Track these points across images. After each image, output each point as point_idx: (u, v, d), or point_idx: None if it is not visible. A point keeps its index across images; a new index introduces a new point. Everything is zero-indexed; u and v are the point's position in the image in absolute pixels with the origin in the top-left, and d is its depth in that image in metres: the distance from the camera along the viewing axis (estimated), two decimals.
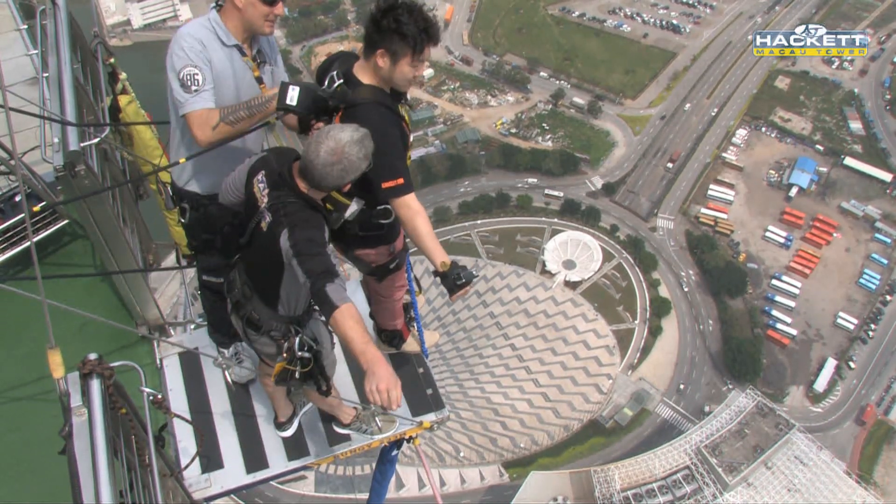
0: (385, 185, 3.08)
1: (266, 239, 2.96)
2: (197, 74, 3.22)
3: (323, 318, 3.41)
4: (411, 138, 3.57)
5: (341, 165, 2.77)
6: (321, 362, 3.43)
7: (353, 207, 3.50)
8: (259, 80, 3.44)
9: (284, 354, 3.27)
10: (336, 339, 3.69)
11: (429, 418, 4.41)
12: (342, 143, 2.77)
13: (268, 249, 2.94)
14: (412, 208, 3.12)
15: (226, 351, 4.40)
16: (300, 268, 2.75)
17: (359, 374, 4.61)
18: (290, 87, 3.04)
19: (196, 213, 3.71)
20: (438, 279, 3.06)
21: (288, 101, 3.02)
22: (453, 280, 2.98)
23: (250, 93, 3.39)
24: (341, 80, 3.26)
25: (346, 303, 2.65)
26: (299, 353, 3.28)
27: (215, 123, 3.22)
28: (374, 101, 3.17)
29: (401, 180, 3.10)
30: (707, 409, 57.45)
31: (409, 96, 3.46)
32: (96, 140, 4.08)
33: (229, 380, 4.42)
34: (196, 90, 3.22)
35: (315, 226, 2.88)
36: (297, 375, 3.33)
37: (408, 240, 3.83)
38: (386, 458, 4.80)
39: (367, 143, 2.81)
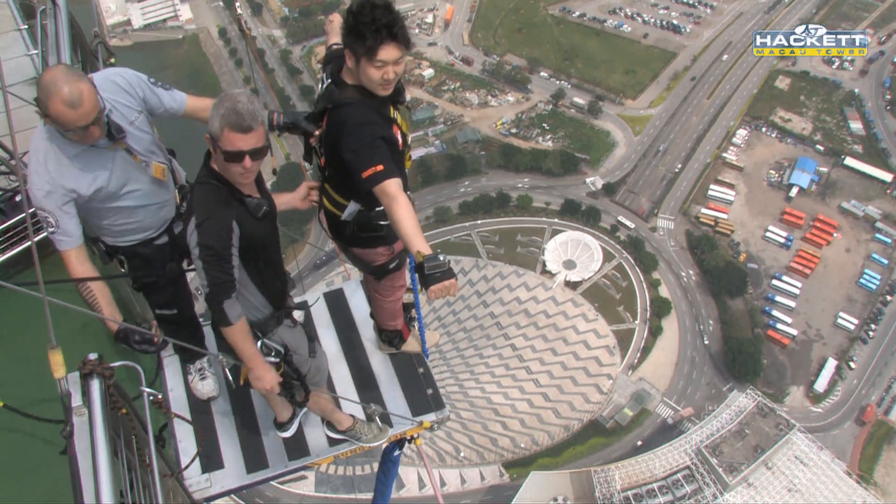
0: (365, 174, 2.98)
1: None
2: (49, 217, 3.09)
3: (289, 323, 3.41)
4: (410, 139, 3.57)
5: (219, 98, 2.79)
6: (296, 369, 3.42)
7: (351, 208, 3.52)
8: (129, 152, 3.25)
9: None
10: (320, 349, 3.69)
11: (429, 418, 4.41)
12: (236, 90, 2.83)
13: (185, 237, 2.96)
14: (389, 194, 2.94)
15: (191, 366, 4.40)
16: (204, 273, 2.85)
17: (359, 378, 4.61)
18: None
19: (133, 261, 3.67)
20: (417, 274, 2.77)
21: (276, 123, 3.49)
22: (427, 273, 2.67)
23: (126, 168, 3.27)
24: (329, 81, 3.29)
25: (240, 319, 3.00)
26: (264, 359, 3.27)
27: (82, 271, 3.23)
28: (356, 101, 3.15)
29: (379, 167, 2.97)
30: (671, 421, 57.16)
31: (407, 97, 3.43)
32: None
33: (198, 392, 4.40)
34: (52, 231, 3.13)
35: (219, 225, 2.84)
36: None
37: None
38: (388, 459, 4.82)
39: (237, 116, 2.72)
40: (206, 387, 4.35)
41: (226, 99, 2.75)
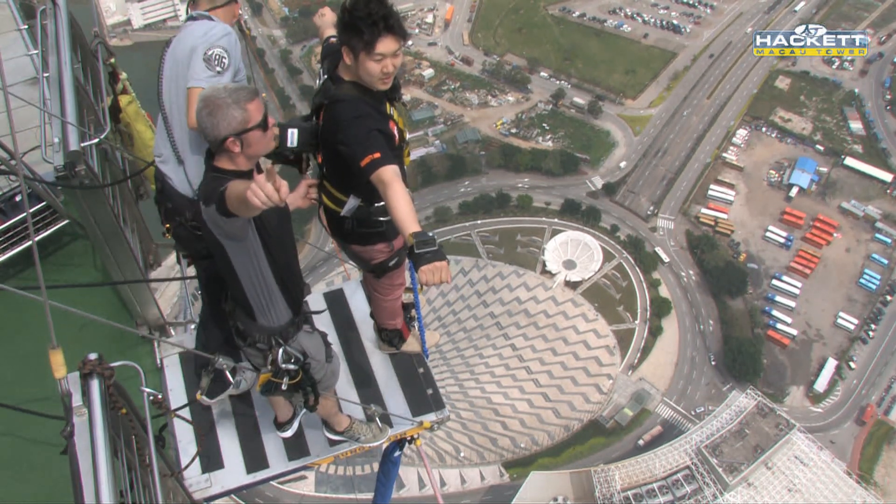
0: (363, 162, 2.97)
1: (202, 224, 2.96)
2: (225, 58, 3.26)
3: (308, 329, 3.40)
4: (408, 136, 3.56)
5: (208, 109, 2.75)
6: (311, 375, 3.43)
7: (351, 203, 3.51)
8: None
9: (269, 367, 3.28)
10: (334, 353, 3.68)
11: (429, 418, 4.41)
12: (208, 92, 2.81)
13: (208, 235, 2.94)
14: (385, 181, 2.91)
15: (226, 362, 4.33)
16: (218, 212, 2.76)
17: (359, 378, 4.62)
18: (289, 129, 3.25)
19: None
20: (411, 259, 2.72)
21: (289, 144, 3.27)
22: (417, 253, 2.61)
23: None
24: (326, 77, 3.31)
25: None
26: (283, 366, 3.28)
27: None
28: (352, 97, 3.16)
29: (376, 154, 2.96)
30: (642, 442, 56.21)
31: (405, 95, 3.44)
32: (96, 140, 4.08)
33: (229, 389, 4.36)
34: (219, 71, 3.25)
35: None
36: (283, 387, 3.33)
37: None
38: (389, 459, 4.81)
39: (239, 93, 2.76)
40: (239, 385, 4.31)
41: (215, 97, 2.76)
